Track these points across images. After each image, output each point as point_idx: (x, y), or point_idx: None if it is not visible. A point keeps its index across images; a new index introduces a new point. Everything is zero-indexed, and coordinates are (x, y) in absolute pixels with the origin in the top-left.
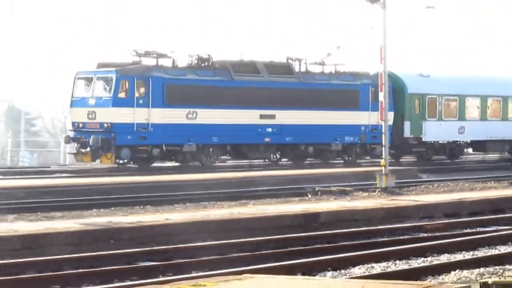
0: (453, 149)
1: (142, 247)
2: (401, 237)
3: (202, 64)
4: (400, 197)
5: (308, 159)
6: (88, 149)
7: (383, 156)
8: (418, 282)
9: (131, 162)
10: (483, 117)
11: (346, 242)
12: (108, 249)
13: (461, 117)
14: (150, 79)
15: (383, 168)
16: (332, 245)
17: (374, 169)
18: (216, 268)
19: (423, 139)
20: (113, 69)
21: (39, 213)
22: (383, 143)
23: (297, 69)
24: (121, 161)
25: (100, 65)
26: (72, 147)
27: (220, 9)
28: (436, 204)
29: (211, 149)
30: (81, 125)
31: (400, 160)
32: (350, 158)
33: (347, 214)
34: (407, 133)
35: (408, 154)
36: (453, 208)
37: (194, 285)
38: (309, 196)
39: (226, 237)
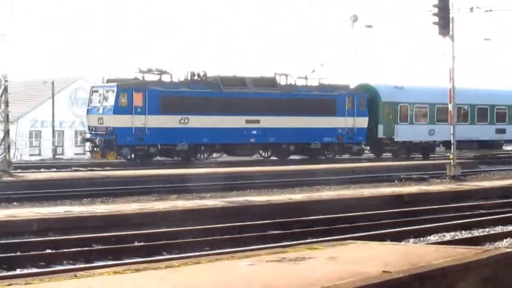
0: (425, 147)
1: (271, 219)
2: (466, 213)
3: (196, 79)
4: (465, 183)
5: (291, 155)
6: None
7: (452, 151)
8: (479, 247)
9: (134, 158)
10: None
11: (424, 216)
12: (246, 221)
13: (431, 121)
14: (146, 91)
15: (451, 160)
16: (413, 218)
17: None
18: (327, 235)
19: (395, 139)
20: (115, 83)
21: (194, 193)
22: (452, 143)
23: (283, 83)
24: (123, 158)
25: (108, 80)
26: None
27: (219, 26)
28: (492, 188)
29: (202, 148)
30: (94, 128)
31: (381, 156)
32: (330, 155)
33: (424, 195)
34: (380, 134)
35: (383, 151)
36: (505, 191)
37: (309, 248)
38: (396, 182)
39: (336, 211)
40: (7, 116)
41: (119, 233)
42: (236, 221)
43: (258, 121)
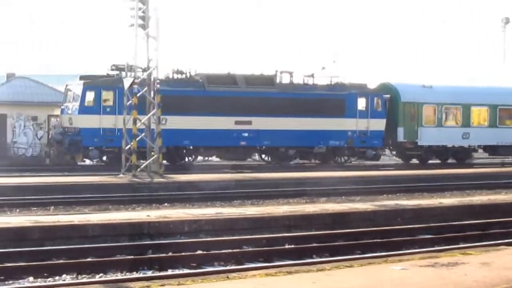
0: (458, 152)
1: (421, 224)
2: None
3: (180, 77)
4: None
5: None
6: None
7: None
8: None
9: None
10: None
11: None
12: (394, 225)
13: (466, 124)
14: (117, 90)
15: None
16: None
17: None
18: (479, 240)
19: (419, 143)
20: (81, 81)
21: (343, 197)
22: None
23: (285, 81)
24: (88, 161)
25: (81, 78)
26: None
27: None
28: None
29: (184, 151)
30: (66, 129)
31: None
32: (339, 160)
33: None
34: (400, 137)
35: (405, 157)
36: None
37: (462, 253)
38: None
39: (486, 216)
40: (159, 118)
41: (270, 235)
42: (385, 225)
43: (249, 122)
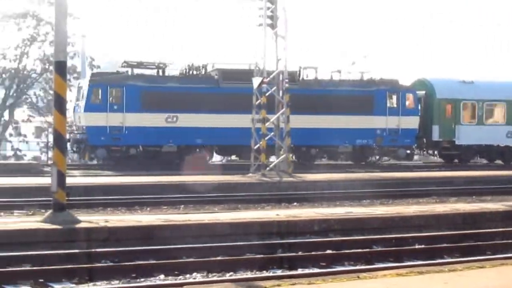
0: (504, 152)
1: None
2: None
3: (194, 73)
4: None
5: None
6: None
7: None
8: None
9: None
10: None
11: None
12: None
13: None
14: (124, 87)
15: None
16: None
17: None
18: None
19: (457, 142)
20: (88, 78)
21: (474, 196)
22: None
23: (308, 77)
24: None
25: (93, 75)
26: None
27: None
28: None
29: (197, 150)
30: (75, 127)
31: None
32: (367, 159)
33: None
34: (435, 136)
35: (442, 156)
36: None
37: None
38: None
39: None
40: (288, 117)
41: (400, 235)
42: None
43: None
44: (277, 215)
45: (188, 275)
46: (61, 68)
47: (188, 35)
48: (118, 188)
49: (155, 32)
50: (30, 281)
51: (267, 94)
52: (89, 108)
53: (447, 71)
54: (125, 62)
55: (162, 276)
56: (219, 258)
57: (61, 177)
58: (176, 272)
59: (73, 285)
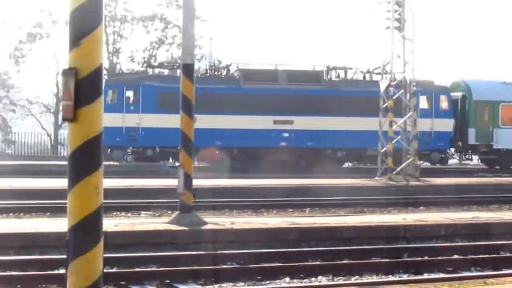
0: None
1: None
2: None
3: (216, 73)
4: None
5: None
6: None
7: None
8: None
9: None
10: None
11: None
12: None
13: None
14: (140, 87)
15: None
16: None
17: None
18: None
19: (494, 146)
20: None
21: None
22: None
23: (334, 78)
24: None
25: (112, 75)
26: None
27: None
28: None
29: (217, 152)
30: None
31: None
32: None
33: None
34: (471, 139)
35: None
36: None
37: None
38: None
39: None
40: (415, 121)
41: None
42: None
43: (290, 122)
44: (404, 219)
45: (313, 278)
46: (188, 71)
47: (307, 37)
48: (244, 191)
49: (278, 34)
50: (157, 281)
51: (394, 97)
52: (105, 108)
53: (488, 72)
54: (145, 61)
55: (287, 279)
56: (344, 261)
57: (187, 179)
58: (302, 275)
59: (199, 286)
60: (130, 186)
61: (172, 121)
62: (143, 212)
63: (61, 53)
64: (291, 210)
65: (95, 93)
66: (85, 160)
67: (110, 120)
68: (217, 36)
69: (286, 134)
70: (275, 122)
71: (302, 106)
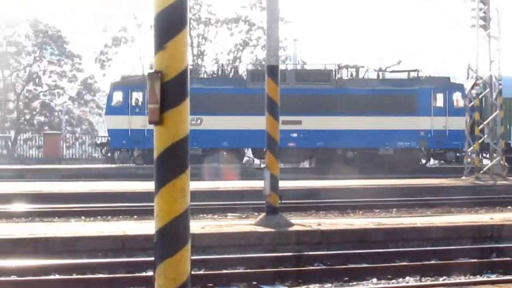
0: None
1: None
2: None
3: (216, 74)
4: None
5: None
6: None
7: None
8: None
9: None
10: None
11: None
12: None
13: None
14: (146, 90)
15: None
16: None
17: None
18: None
19: None
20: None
21: None
22: None
23: (345, 76)
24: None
25: (122, 77)
26: None
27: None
28: None
29: (224, 153)
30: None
31: None
32: (409, 163)
33: None
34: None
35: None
36: None
37: None
38: None
39: None
40: (501, 120)
41: None
42: None
43: (299, 122)
44: (491, 218)
45: (401, 279)
46: (273, 72)
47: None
48: (327, 192)
49: (359, 34)
50: (244, 283)
51: (480, 96)
52: (110, 111)
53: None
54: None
55: (374, 280)
56: (432, 262)
57: (274, 180)
58: (389, 276)
59: (286, 287)
60: (215, 188)
61: None
62: (229, 214)
63: (146, 56)
64: (378, 210)
65: (181, 96)
66: (171, 163)
67: (116, 122)
68: (301, 37)
69: (295, 134)
70: (283, 122)
71: (311, 106)
